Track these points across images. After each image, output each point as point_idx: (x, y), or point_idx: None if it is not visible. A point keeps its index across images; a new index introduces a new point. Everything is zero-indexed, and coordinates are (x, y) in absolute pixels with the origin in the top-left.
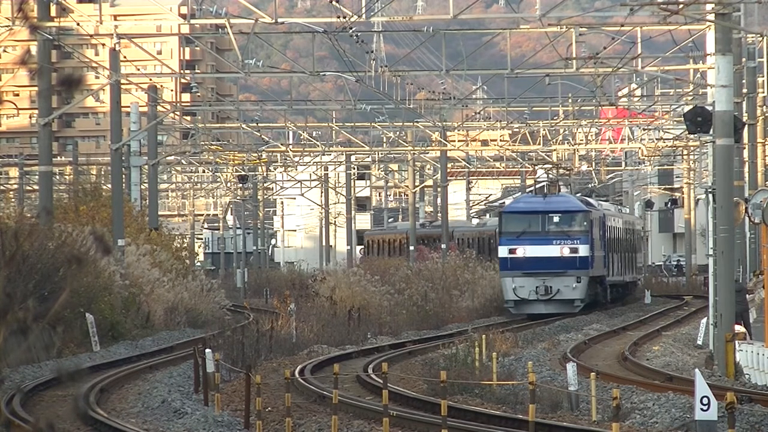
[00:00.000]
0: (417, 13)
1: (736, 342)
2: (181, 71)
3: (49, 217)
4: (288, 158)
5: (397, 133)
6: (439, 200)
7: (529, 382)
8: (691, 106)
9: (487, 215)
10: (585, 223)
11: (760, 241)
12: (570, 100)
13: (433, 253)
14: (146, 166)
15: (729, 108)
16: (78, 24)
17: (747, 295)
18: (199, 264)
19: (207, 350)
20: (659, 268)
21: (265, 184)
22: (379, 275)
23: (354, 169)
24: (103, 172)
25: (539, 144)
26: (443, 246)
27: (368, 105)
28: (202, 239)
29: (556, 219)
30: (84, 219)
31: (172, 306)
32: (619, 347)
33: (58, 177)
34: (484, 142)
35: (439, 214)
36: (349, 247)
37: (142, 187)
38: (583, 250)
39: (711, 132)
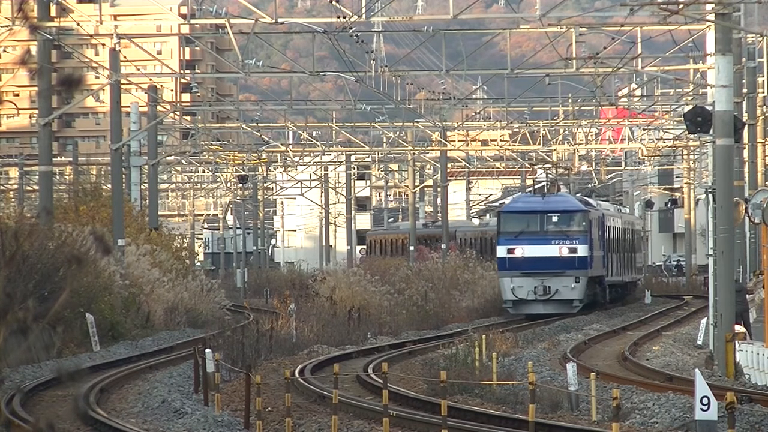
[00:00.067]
0: (417, 13)
1: (736, 342)
2: (181, 71)
3: (49, 217)
4: (288, 158)
5: (397, 133)
6: (439, 200)
7: (529, 382)
8: (691, 106)
9: (488, 215)
10: (584, 223)
11: (760, 241)
12: (570, 100)
13: (433, 253)
14: (146, 166)
15: (729, 108)
16: (78, 24)
17: (747, 295)
18: (199, 264)
19: (207, 350)
20: (659, 268)
21: (265, 184)
22: (379, 275)
23: (354, 169)
24: (103, 172)
25: (539, 144)
26: (443, 246)
27: (368, 105)
28: (202, 239)
29: (554, 219)
30: (84, 219)
31: (172, 306)
32: (619, 347)
33: (58, 177)
34: (484, 142)
35: (440, 215)
36: (349, 247)
37: (142, 187)
38: (582, 250)
39: (711, 132)
